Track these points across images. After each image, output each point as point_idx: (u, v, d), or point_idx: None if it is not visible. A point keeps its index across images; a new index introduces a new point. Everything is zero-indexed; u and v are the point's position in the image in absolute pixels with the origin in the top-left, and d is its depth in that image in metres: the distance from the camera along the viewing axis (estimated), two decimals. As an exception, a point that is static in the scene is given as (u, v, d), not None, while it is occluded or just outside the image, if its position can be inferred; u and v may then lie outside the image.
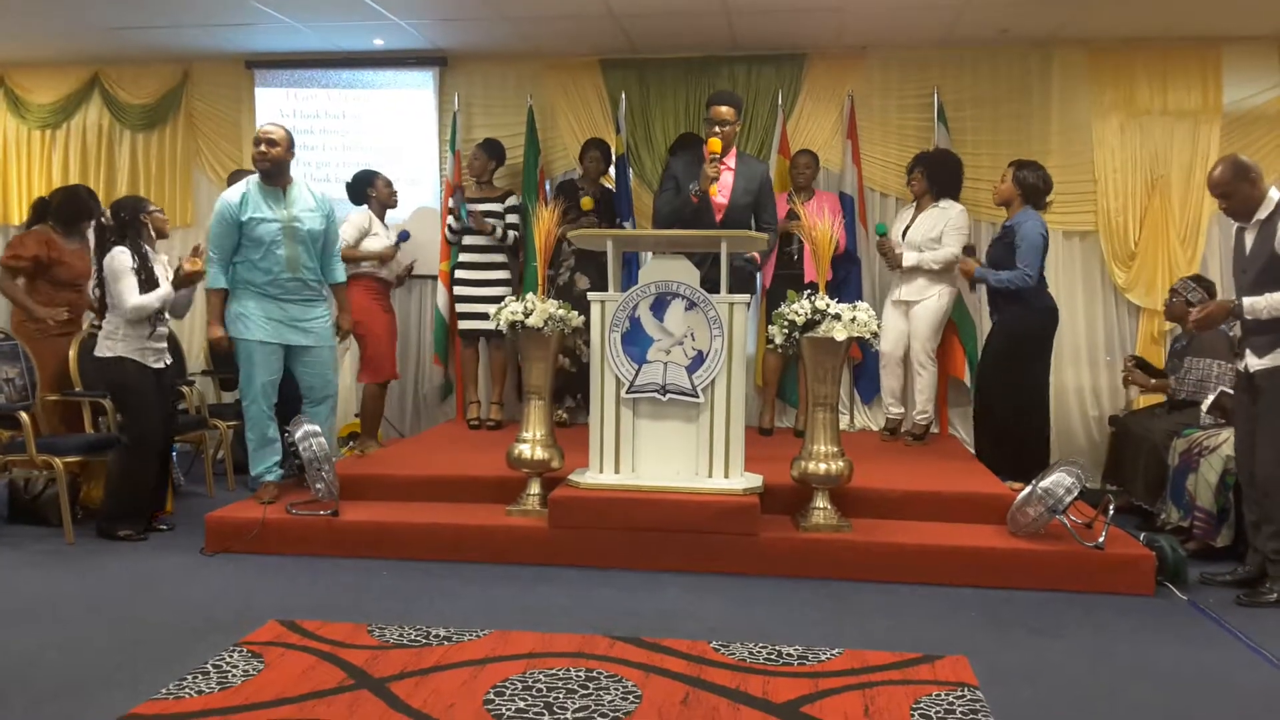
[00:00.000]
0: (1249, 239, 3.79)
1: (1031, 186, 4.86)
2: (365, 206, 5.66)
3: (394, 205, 5.72)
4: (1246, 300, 3.70)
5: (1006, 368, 4.87)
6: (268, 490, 4.60)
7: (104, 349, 4.49)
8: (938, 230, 5.50)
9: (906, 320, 5.66)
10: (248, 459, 4.71)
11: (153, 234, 4.60)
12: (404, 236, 5.70)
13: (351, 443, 5.78)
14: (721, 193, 4.77)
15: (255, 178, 4.57)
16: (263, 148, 4.48)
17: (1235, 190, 3.74)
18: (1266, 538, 3.81)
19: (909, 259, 5.48)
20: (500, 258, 6.08)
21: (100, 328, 4.58)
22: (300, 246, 4.57)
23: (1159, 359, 5.94)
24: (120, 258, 4.42)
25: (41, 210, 5.38)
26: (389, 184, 5.68)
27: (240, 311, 4.54)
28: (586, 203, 5.91)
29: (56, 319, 5.08)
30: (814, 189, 5.95)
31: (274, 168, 4.52)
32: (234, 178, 5.71)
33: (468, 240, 6.04)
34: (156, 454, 4.61)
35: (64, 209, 5.25)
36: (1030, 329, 4.86)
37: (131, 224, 4.50)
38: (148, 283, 4.45)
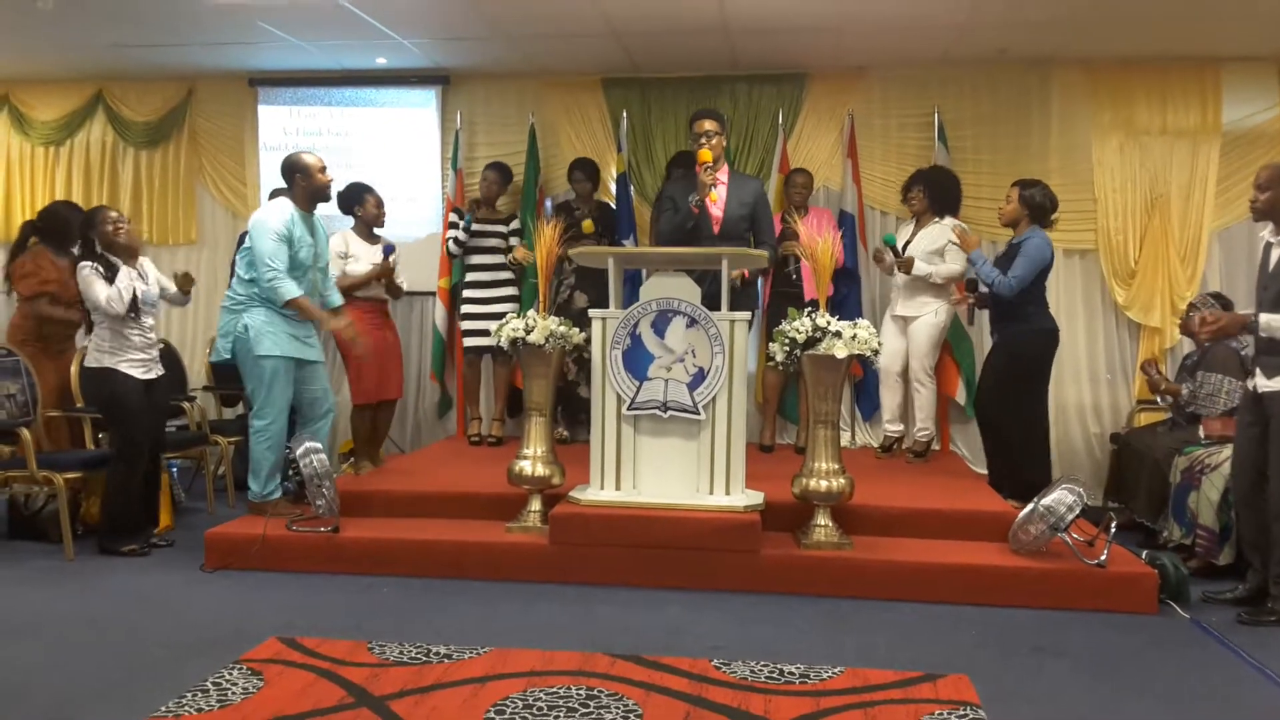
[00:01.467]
0: (1274, 255, 3.76)
1: (1039, 205, 4.86)
2: (343, 229, 5.48)
3: (381, 225, 5.58)
4: (1263, 316, 3.67)
5: (1007, 387, 4.86)
6: (286, 506, 4.61)
7: (92, 359, 4.52)
8: (939, 244, 5.51)
9: (905, 336, 5.67)
10: (251, 476, 4.69)
11: (100, 245, 4.53)
12: (389, 249, 5.42)
13: (351, 459, 5.77)
14: (719, 205, 4.81)
15: (289, 202, 4.63)
16: (331, 174, 4.71)
17: (1275, 188, 3.70)
18: (1277, 560, 3.78)
19: (919, 269, 5.48)
20: (507, 274, 6.11)
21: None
22: (320, 273, 4.76)
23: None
24: (83, 271, 4.46)
25: (29, 231, 5.30)
26: (379, 203, 5.49)
27: (263, 328, 4.54)
28: (587, 226, 5.87)
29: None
30: (809, 206, 5.97)
31: (329, 195, 4.78)
32: (275, 195, 5.69)
33: (475, 259, 6.06)
34: (143, 465, 4.60)
35: (49, 229, 5.21)
36: (1031, 349, 4.86)
37: (85, 239, 4.54)
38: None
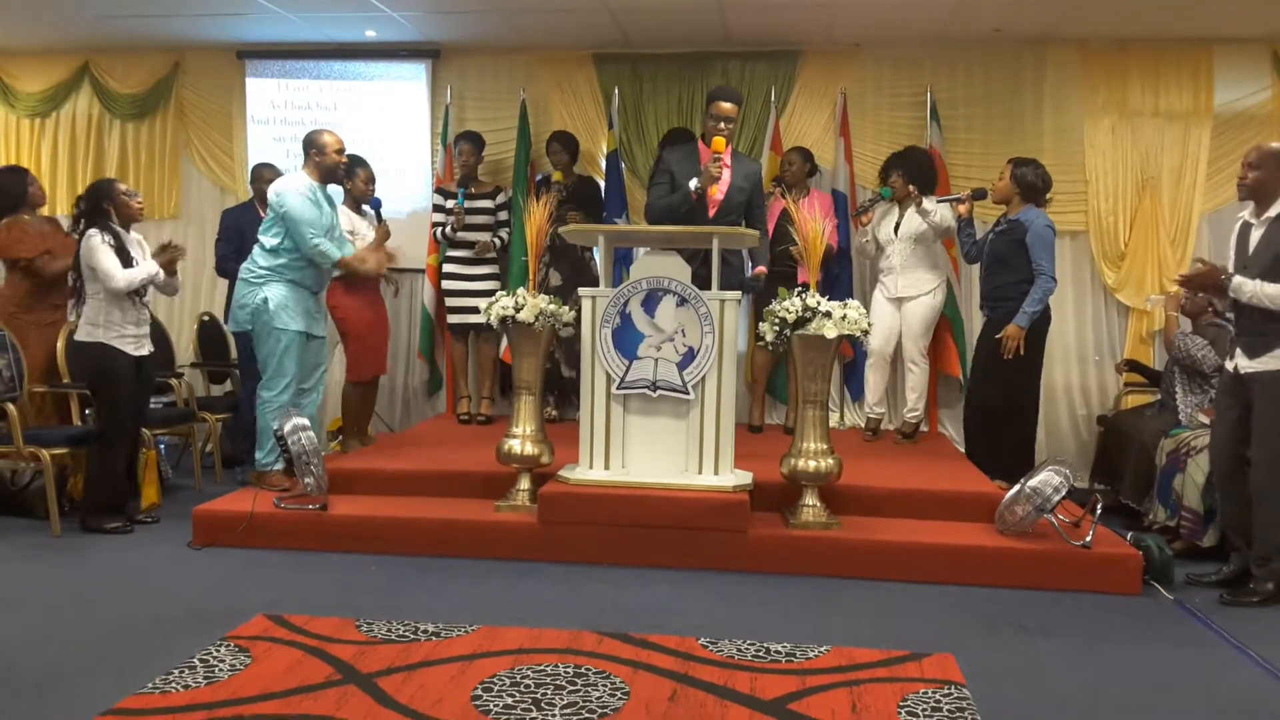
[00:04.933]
0: (1255, 236, 3.76)
1: (1030, 184, 4.86)
2: (342, 203, 5.53)
3: (368, 200, 5.58)
4: (1236, 278, 3.70)
5: (999, 366, 4.87)
6: (279, 478, 4.65)
7: (84, 334, 4.49)
8: (924, 225, 5.49)
9: (898, 317, 5.66)
10: (252, 448, 4.72)
11: (118, 217, 4.54)
12: (376, 204, 5.43)
13: (340, 436, 5.76)
14: (720, 189, 4.77)
15: (305, 174, 4.75)
16: (345, 155, 4.89)
17: (1264, 167, 3.70)
18: (1260, 540, 3.81)
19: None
20: (490, 252, 6.07)
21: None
22: (336, 242, 4.84)
23: (1148, 358, 5.96)
24: (93, 240, 4.43)
25: None
26: (369, 179, 5.47)
27: (283, 301, 4.65)
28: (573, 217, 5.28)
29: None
30: (808, 187, 5.94)
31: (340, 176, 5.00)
32: (258, 172, 5.74)
33: (458, 235, 6.01)
34: (127, 443, 4.60)
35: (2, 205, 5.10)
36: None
37: (98, 209, 4.51)
38: (123, 261, 4.45)
